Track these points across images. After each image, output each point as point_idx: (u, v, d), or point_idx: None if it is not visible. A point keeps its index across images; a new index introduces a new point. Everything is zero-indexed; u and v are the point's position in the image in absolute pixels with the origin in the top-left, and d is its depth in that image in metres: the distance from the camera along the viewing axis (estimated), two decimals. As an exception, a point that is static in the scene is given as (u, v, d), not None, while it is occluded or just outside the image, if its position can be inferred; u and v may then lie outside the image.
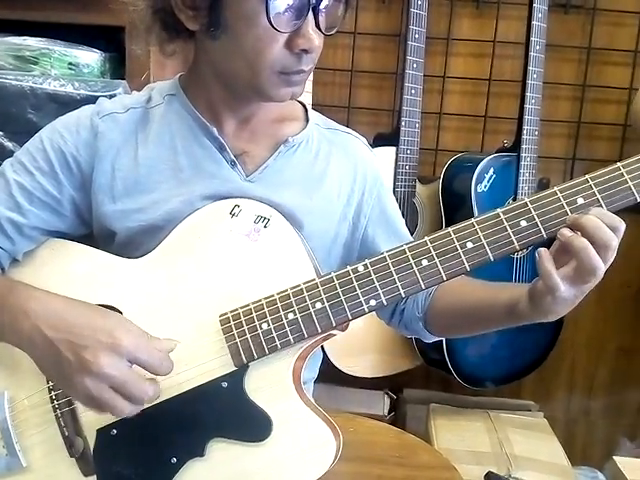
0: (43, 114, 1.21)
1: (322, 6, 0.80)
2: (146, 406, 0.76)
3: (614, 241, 0.73)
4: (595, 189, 0.75)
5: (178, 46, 0.88)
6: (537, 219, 0.76)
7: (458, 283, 0.86)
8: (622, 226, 0.74)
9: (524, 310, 0.80)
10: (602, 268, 0.73)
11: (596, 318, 2.12)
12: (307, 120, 0.96)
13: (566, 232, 0.74)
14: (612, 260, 0.74)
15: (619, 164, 0.75)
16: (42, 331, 0.74)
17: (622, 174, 0.75)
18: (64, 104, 1.21)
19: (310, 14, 0.79)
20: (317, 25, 0.80)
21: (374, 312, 0.85)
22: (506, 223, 0.76)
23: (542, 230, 0.76)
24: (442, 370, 1.87)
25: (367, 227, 0.98)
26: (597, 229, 0.72)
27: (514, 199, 1.79)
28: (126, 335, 0.73)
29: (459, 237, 0.77)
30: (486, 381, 1.94)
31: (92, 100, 1.20)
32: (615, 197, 0.75)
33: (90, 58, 1.31)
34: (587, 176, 0.76)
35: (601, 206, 0.75)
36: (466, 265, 0.77)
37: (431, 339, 1.01)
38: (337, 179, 0.95)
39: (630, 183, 0.75)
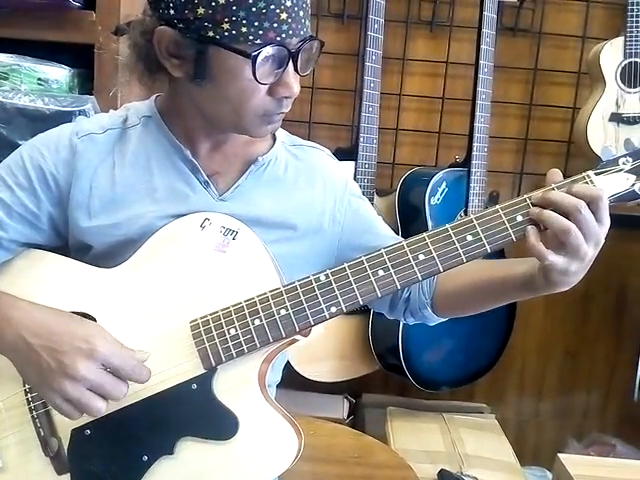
0: (13, 128, 1.24)
1: (300, 52, 0.83)
2: (120, 407, 0.81)
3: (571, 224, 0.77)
4: (532, 208, 0.82)
5: (157, 79, 0.91)
6: (481, 234, 0.83)
7: None
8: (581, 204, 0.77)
9: (540, 283, 0.84)
10: (582, 244, 0.78)
11: (544, 323, 2.23)
12: (274, 138, 1.01)
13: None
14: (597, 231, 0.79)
15: (554, 185, 0.82)
16: (24, 338, 0.79)
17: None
18: (34, 118, 1.24)
19: (290, 62, 0.83)
20: (296, 70, 0.84)
21: (370, 305, 0.89)
22: (454, 237, 0.83)
23: (486, 244, 0.83)
24: (399, 374, 1.93)
25: (343, 234, 1.01)
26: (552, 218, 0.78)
27: (465, 211, 1.88)
28: (101, 342, 0.79)
29: (412, 249, 0.84)
30: (441, 385, 2.01)
31: (61, 115, 1.24)
32: None
33: (59, 74, 1.33)
34: (525, 195, 0.83)
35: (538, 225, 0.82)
36: (418, 275, 0.84)
37: (436, 322, 1.03)
38: (308, 191, 0.99)
39: None
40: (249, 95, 0.84)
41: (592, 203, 0.78)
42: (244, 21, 0.78)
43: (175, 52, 0.84)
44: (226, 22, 0.78)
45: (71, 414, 0.79)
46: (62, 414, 0.80)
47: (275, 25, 0.79)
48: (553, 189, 0.82)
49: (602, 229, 0.80)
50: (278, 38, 0.80)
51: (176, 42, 0.83)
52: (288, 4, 0.79)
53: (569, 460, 1.61)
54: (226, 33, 0.79)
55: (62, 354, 0.77)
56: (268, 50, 0.80)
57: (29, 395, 0.86)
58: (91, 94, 1.34)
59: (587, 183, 0.81)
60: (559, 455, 1.63)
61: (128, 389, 0.80)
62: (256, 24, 0.78)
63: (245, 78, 0.82)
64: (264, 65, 0.82)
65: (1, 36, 1.32)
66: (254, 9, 0.78)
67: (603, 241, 0.80)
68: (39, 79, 1.33)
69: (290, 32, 0.80)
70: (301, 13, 0.81)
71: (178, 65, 0.85)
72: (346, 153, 1.90)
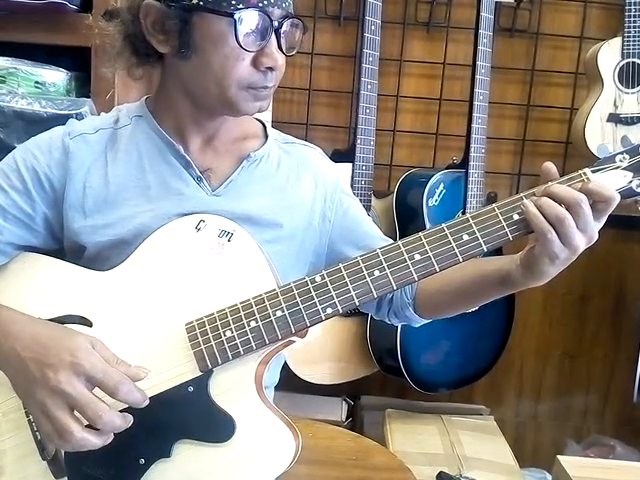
0: (10, 131, 1.24)
1: (283, 29, 0.87)
2: (117, 409, 0.80)
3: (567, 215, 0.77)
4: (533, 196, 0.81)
5: (145, 70, 0.93)
6: (477, 233, 0.82)
7: None
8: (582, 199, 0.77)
9: (517, 278, 0.85)
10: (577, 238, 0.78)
11: (542, 325, 2.23)
12: (266, 136, 1.01)
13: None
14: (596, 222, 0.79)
15: (550, 183, 0.82)
16: (17, 351, 0.78)
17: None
18: (31, 121, 1.24)
19: (273, 36, 0.86)
20: (279, 46, 0.87)
21: (358, 308, 0.88)
22: (450, 237, 0.83)
23: (482, 243, 0.82)
24: (397, 376, 1.93)
25: (332, 232, 1.02)
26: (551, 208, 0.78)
27: (463, 213, 1.88)
28: (87, 355, 0.77)
29: (408, 249, 0.83)
30: (439, 386, 2.01)
31: (59, 118, 1.25)
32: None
33: (56, 77, 1.34)
34: (522, 194, 0.83)
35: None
36: (415, 275, 0.83)
37: (420, 323, 1.03)
38: (299, 188, 1.00)
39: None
40: (233, 63, 0.86)
41: (606, 203, 0.78)
42: None
43: (161, 27, 0.87)
44: None
45: (50, 435, 0.76)
46: (44, 434, 0.78)
47: None
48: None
49: (598, 227, 0.80)
50: (260, 4, 0.84)
51: (162, 15, 0.86)
52: None
53: (569, 462, 1.61)
54: None
55: (47, 366, 0.76)
56: (251, 14, 0.84)
57: (25, 399, 0.86)
58: (88, 97, 1.35)
59: (584, 181, 0.81)
60: (558, 457, 1.62)
61: (110, 417, 0.76)
62: None
63: (228, 45, 0.85)
64: (248, 35, 0.85)
65: (-2, 40, 1.33)
66: None
67: (597, 237, 0.80)
68: (36, 82, 1.34)
69: (272, 0, 0.84)
70: None
71: (164, 40, 0.88)
72: (343, 155, 1.90)
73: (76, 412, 0.76)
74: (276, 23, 0.86)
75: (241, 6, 0.83)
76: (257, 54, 0.87)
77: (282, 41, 0.87)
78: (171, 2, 0.84)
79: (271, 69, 0.88)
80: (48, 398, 0.75)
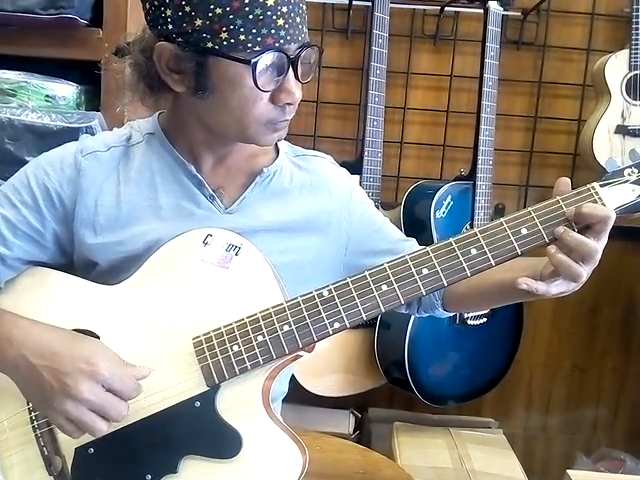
0: (20, 144, 1.25)
1: (299, 60, 0.84)
2: (123, 425, 0.81)
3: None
4: (537, 220, 0.82)
5: (160, 98, 0.92)
6: (486, 247, 0.83)
7: None
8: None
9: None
10: (582, 275, 0.81)
11: (551, 337, 2.21)
12: (277, 150, 1.01)
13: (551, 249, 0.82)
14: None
15: (558, 197, 0.83)
16: (26, 358, 0.79)
17: (561, 207, 0.82)
18: (41, 135, 1.25)
19: (290, 69, 0.84)
20: (297, 77, 0.85)
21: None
22: (458, 251, 0.83)
23: (490, 258, 0.83)
24: (405, 389, 1.92)
25: (350, 240, 1.02)
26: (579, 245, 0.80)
27: (471, 225, 1.87)
28: (103, 363, 0.80)
29: (415, 264, 0.84)
30: (447, 399, 1.99)
31: (68, 131, 1.25)
32: (554, 228, 0.82)
33: (66, 91, 1.34)
34: (529, 208, 0.83)
35: (543, 236, 0.82)
36: (422, 290, 0.83)
37: (446, 316, 1.08)
38: (313, 200, 0.99)
39: (567, 214, 0.82)
40: (252, 103, 0.85)
41: (603, 223, 0.79)
42: (242, 29, 0.79)
43: (175, 67, 0.85)
44: (224, 31, 0.79)
45: (73, 433, 0.80)
46: (65, 433, 0.81)
47: (273, 31, 0.80)
48: (558, 202, 0.82)
49: (600, 250, 0.81)
50: (276, 44, 0.81)
51: (176, 56, 0.84)
52: (284, 10, 0.80)
53: (578, 476, 1.59)
54: (225, 42, 0.80)
55: (64, 375, 0.78)
56: (267, 56, 0.82)
57: (33, 414, 0.86)
58: (98, 110, 1.35)
59: (592, 195, 0.82)
60: (568, 471, 1.61)
61: (128, 409, 0.81)
62: (254, 31, 0.79)
63: (246, 86, 0.83)
64: (265, 73, 0.83)
65: (9, 53, 1.34)
66: (251, 16, 0.79)
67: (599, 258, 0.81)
68: (47, 96, 1.35)
69: (288, 37, 0.82)
70: (298, 19, 0.82)
71: (179, 80, 0.86)
72: (351, 167, 1.85)
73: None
74: (292, 56, 0.83)
75: (257, 48, 0.80)
76: (275, 90, 0.85)
77: (299, 71, 0.85)
78: (185, 45, 0.82)
79: (290, 104, 0.87)
80: (70, 406, 0.78)
